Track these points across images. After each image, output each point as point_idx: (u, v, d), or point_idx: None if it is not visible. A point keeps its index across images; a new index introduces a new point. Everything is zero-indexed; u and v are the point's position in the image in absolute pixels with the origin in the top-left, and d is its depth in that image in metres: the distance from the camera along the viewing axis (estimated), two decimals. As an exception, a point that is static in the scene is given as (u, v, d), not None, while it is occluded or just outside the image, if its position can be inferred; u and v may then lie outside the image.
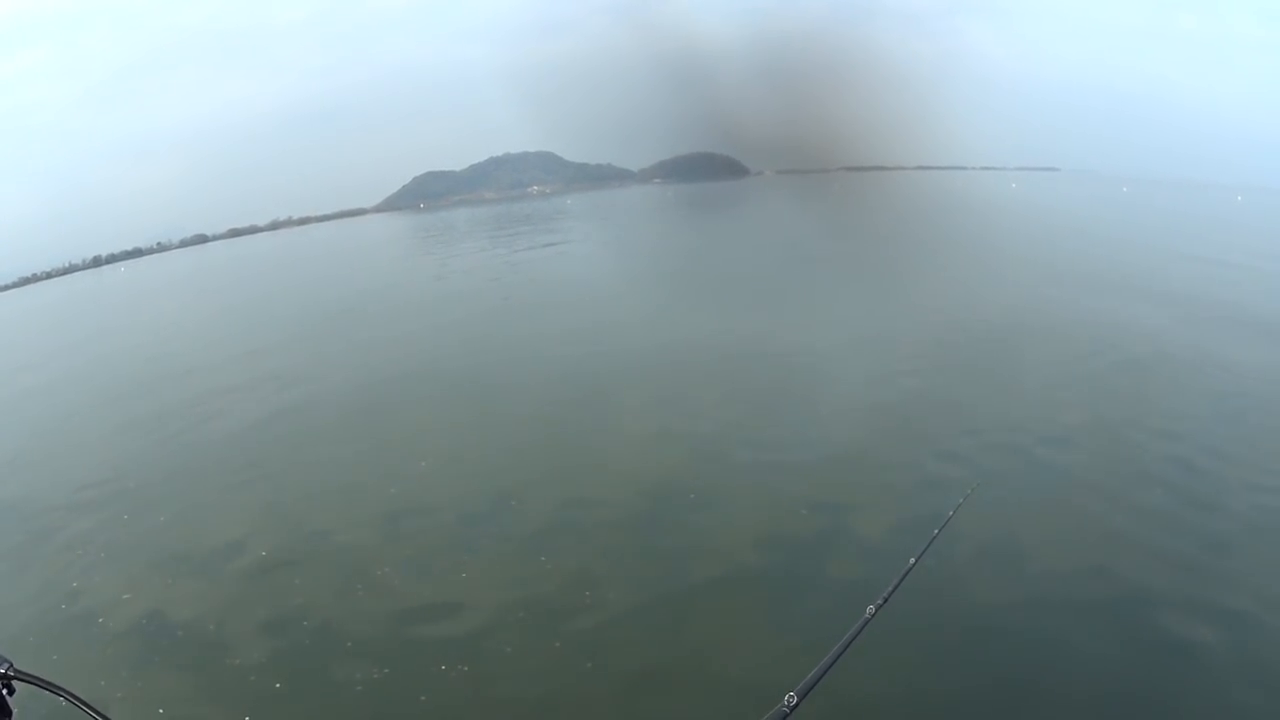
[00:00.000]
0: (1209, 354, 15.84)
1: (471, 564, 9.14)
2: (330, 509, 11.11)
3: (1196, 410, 12.62)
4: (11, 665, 1.63)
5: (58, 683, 1.69)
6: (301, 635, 8.00)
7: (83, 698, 1.74)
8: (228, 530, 10.75)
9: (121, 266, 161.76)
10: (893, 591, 3.02)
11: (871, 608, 2.87)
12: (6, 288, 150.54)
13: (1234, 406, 12.78)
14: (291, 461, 13.53)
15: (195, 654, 7.89)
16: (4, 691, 1.62)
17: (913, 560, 3.34)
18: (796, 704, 2.27)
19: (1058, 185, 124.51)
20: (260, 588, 9.12)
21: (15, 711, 1.64)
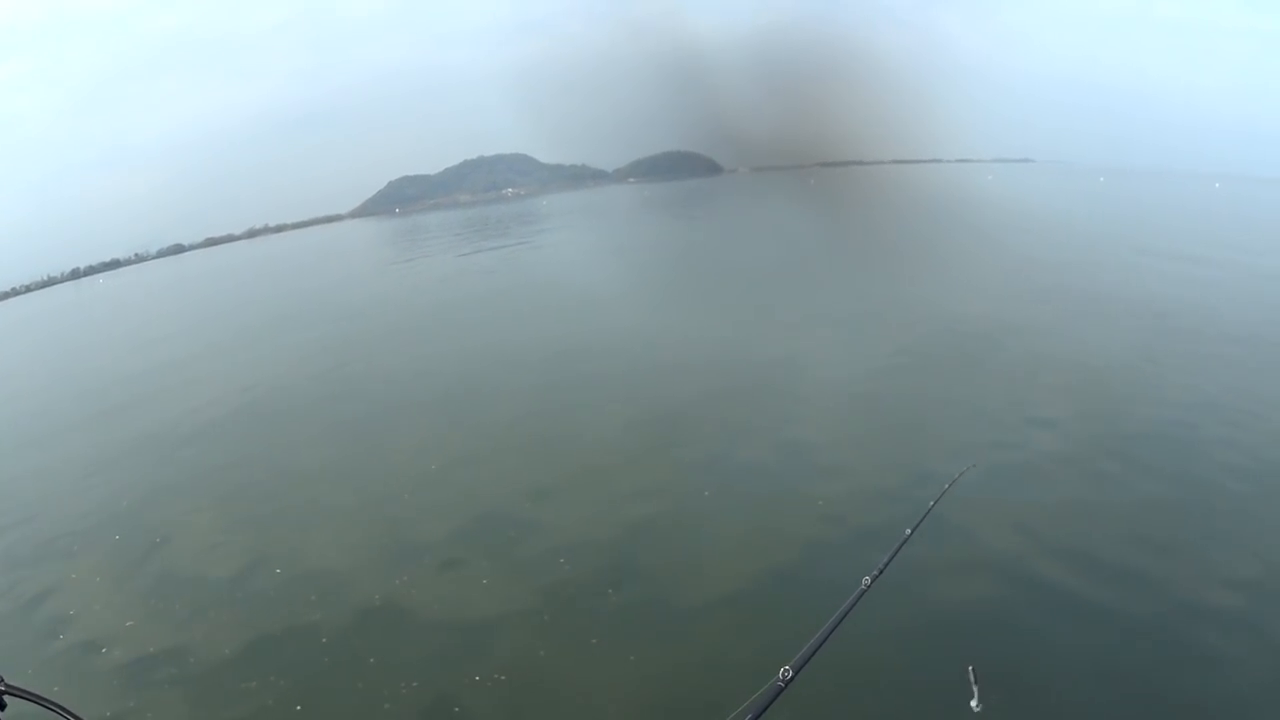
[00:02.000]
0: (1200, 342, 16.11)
1: (490, 570, 8.88)
2: (338, 521, 10.79)
3: (1190, 391, 12.84)
4: (1, 680, 1.57)
5: (50, 697, 1.61)
6: (320, 653, 7.67)
7: (76, 713, 1.68)
8: (229, 548, 10.39)
9: (100, 278, 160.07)
10: (888, 563, 3.00)
11: (867, 579, 2.82)
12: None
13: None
14: (291, 473, 13.12)
15: (208, 680, 7.51)
16: None
17: (908, 531, 3.33)
18: (792, 678, 2.22)
19: (1033, 177, 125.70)
20: (271, 605, 8.75)
21: None
